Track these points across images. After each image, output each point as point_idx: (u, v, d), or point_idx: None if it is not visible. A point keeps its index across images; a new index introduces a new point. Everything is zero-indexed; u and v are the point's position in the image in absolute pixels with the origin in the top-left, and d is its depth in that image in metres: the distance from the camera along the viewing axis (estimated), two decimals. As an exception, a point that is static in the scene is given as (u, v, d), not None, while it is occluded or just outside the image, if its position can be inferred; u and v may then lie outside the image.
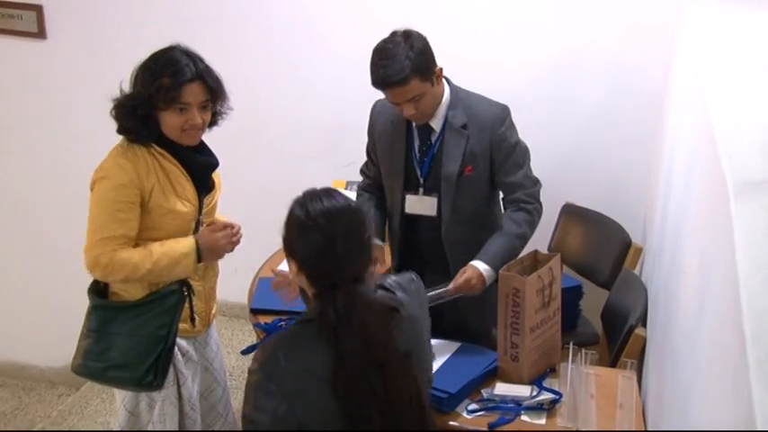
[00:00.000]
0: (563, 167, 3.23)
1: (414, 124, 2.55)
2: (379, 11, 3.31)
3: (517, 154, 2.55)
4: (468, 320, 2.59)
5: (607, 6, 3.13)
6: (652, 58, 3.11)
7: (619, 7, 3.11)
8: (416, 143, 2.57)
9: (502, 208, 2.67)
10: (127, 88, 2.16)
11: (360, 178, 2.83)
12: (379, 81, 2.37)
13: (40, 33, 3.59)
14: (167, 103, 2.10)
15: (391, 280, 1.84)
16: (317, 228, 1.64)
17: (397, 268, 2.68)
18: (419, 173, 2.58)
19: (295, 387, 1.64)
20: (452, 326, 2.50)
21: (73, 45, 3.61)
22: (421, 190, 2.59)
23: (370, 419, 1.64)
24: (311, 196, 1.70)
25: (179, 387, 2.30)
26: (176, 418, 2.29)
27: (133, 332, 2.20)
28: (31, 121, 3.77)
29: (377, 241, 2.60)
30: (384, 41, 2.40)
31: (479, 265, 2.45)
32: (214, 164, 2.31)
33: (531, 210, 2.56)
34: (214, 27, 3.38)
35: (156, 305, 2.19)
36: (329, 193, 1.71)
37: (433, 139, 2.55)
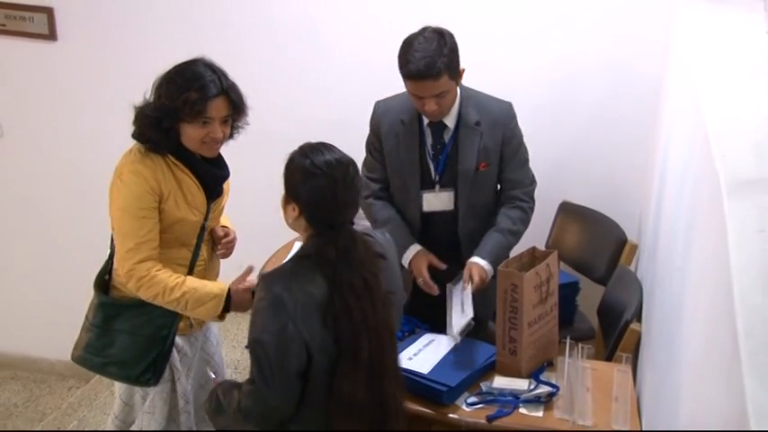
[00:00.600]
0: (561, 167, 3.26)
1: (425, 122, 2.56)
2: (382, 14, 3.33)
3: (523, 151, 2.62)
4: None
5: (603, 11, 3.14)
6: (647, 61, 3.13)
7: (615, 12, 3.13)
8: (429, 141, 2.59)
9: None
10: (149, 97, 2.17)
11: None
12: (413, 73, 2.36)
13: (51, 35, 3.60)
14: (192, 116, 2.12)
15: (369, 232, 2.02)
16: (322, 175, 1.82)
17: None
18: (433, 170, 2.60)
19: (298, 311, 1.79)
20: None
21: (83, 47, 3.63)
22: (437, 186, 2.61)
23: (360, 346, 1.80)
24: (312, 148, 1.89)
25: (173, 382, 2.33)
26: (165, 410, 2.32)
27: (135, 330, 2.24)
28: (42, 121, 3.79)
29: (417, 247, 2.61)
30: (418, 35, 2.40)
31: (481, 262, 2.49)
32: (226, 176, 2.34)
33: (527, 208, 2.61)
34: (221, 30, 3.40)
35: (159, 306, 2.21)
36: (327, 146, 1.89)
37: (447, 137, 2.57)
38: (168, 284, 2.15)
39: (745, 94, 1.74)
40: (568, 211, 3.31)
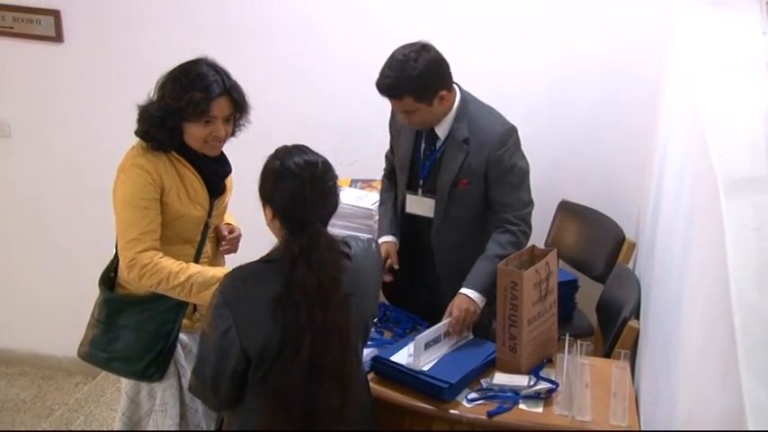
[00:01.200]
0: (560, 166, 3.28)
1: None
2: (382, 15, 3.34)
3: (513, 175, 2.54)
4: (422, 310, 2.66)
5: (602, 13, 3.16)
6: (645, 61, 3.15)
7: (613, 13, 3.15)
8: (423, 146, 2.61)
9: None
10: (152, 97, 2.20)
11: (364, 175, 2.87)
12: (378, 87, 2.44)
13: (58, 37, 3.62)
14: (196, 116, 2.15)
15: (349, 238, 2.00)
16: (290, 176, 1.84)
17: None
18: (420, 174, 2.63)
19: (243, 315, 1.81)
20: (417, 310, 2.58)
21: (89, 49, 3.64)
22: (420, 191, 2.63)
23: (301, 345, 1.80)
24: (284, 151, 1.91)
25: (179, 378, 2.36)
26: (177, 407, 2.34)
27: (140, 326, 2.26)
28: (49, 122, 3.81)
29: (388, 237, 2.66)
30: (401, 50, 2.43)
31: (469, 293, 2.45)
32: (227, 171, 2.37)
33: (517, 231, 2.53)
34: (223, 32, 3.42)
35: (163, 302, 2.24)
36: (300, 148, 1.91)
37: (437, 146, 2.58)
38: (172, 270, 2.17)
39: (742, 93, 1.76)
40: (567, 210, 3.32)
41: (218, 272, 2.22)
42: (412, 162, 2.64)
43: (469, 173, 2.54)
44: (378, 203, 2.82)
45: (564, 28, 3.22)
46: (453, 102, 2.53)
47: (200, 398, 2.03)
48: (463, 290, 2.47)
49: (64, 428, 3.46)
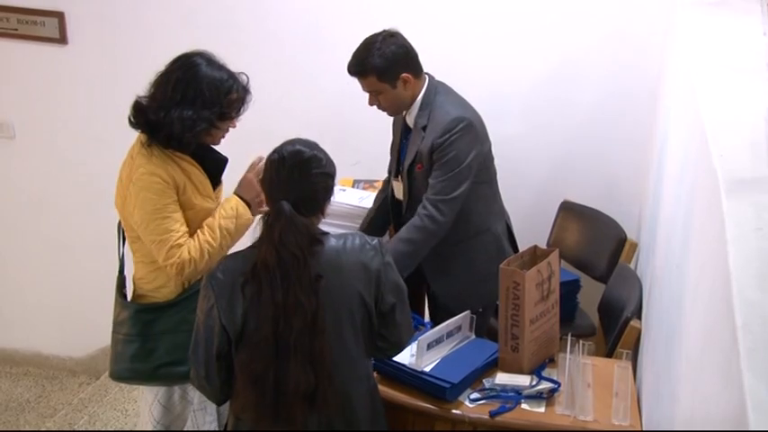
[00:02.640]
0: (561, 167, 3.29)
1: (404, 118, 2.71)
2: (382, 16, 3.34)
3: (445, 162, 2.55)
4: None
5: (603, 13, 3.17)
6: (645, 61, 3.16)
7: (613, 14, 3.16)
8: (403, 134, 2.75)
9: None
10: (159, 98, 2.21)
11: (367, 175, 2.90)
12: (347, 68, 2.59)
13: (62, 39, 3.64)
14: (236, 114, 2.25)
15: (346, 234, 1.99)
16: (273, 160, 1.93)
17: None
18: (400, 161, 2.75)
19: (226, 290, 1.87)
20: (451, 317, 2.58)
21: (93, 50, 3.66)
22: (400, 177, 2.75)
23: (263, 320, 1.82)
24: (289, 142, 1.97)
25: None
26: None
27: (176, 329, 2.26)
28: (53, 123, 3.83)
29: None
30: (370, 37, 2.59)
31: None
32: (225, 160, 2.40)
33: (423, 216, 2.55)
34: (227, 33, 3.44)
35: (192, 300, 2.23)
36: (303, 141, 1.97)
37: (408, 135, 2.72)
38: (207, 242, 2.23)
39: (743, 94, 1.76)
40: (569, 210, 3.33)
41: (229, 203, 2.31)
42: (398, 152, 2.76)
43: (421, 157, 2.64)
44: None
45: (564, 28, 3.23)
46: (420, 89, 2.64)
47: (199, 389, 2.04)
48: None
49: (67, 428, 3.47)
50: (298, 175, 1.90)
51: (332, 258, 1.91)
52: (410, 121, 2.68)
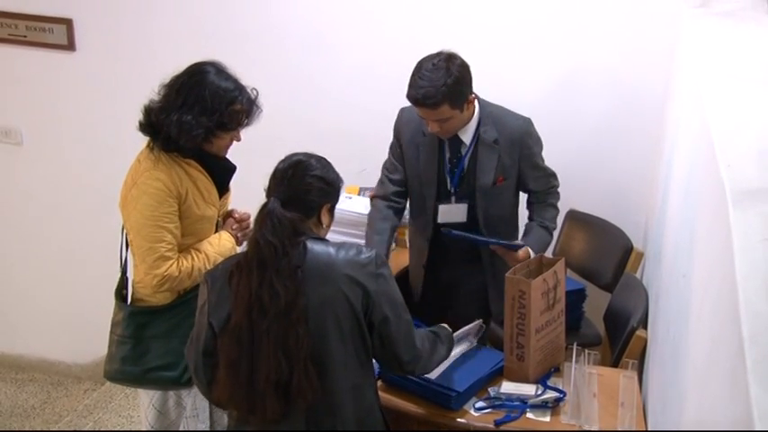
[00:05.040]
0: (568, 176, 3.27)
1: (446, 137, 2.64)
2: (391, 24, 3.37)
3: (540, 159, 2.71)
4: (469, 316, 2.66)
5: (610, 23, 3.17)
6: (653, 72, 3.15)
7: (621, 24, 3.16)
8: (447, 155, 2.65)
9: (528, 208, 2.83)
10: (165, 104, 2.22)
11: (373, 183, 2.89)
12: (412, 98, 2.46)
13: (70, 46, 3.67)
14: (238, 125, 2.25)
15: (344, 244, 1.98)
16: (276, 167, 1.99)
17: (426, 268, 2.79)
18: (449, 182, 2.67)
19: (218, 287, 1.91)
20: (455, 321, 2.57)
21: (101, 57, 3.69)
22: (453, 199, 2.68)
23: (239, 312, 1.84)
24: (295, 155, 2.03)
25: None
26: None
27: (169, 334, 2.27)
28: (61, 129, 3.85)
29: None
30: (428, 60, 2.46)
31: (531, 251, 2.63)
32: (233, 168, 2.41)
33: (558, 205, 2.80)
34: (233, 40, 3.45)
35: (187, 306, 2.25)
36: (312, 155, 2.02)
37: (463, 152, 2.64)
38: (196, 266, 2.25)
39: (750, 103, 1.75)
40: (575, 220, 3.33)
41: (228, 242, 2.35)
42: (438, 175, 2.68)
43: (504, 170, 2.64)
44: (370, 230, 2.76)
45: (572, 38, 3.24)
46: (475, 106, 2.61)
47: (199, 390, 2.05)
48: (528, 246, 2.65)
49: (72, 435, 3.48)
50: (291, 174, 1.95)
51: (322, 261, 1.91)
52: (467, 137, 2.62)
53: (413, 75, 2.47)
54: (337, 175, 2.02)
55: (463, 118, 2.56)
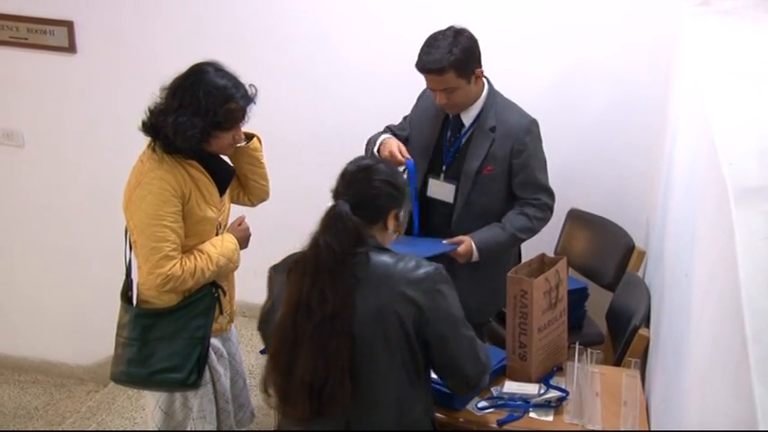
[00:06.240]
0: (569, 174, 3.29)
1: (451, 115, 2.68)
2: (393, 23, 3.37)
3: (537, 162, 2.68)
4: (467, 313, 2.67)
5: (610, 21, 3.18)
6: (653, 70, 3.16)
7: (621, 22, 3.17)
8: (448, 133, 2.70)
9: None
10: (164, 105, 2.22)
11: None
12: (419, 65, 2.52)
13: (71, 48, 3.68)
14: (234, 124, 2.24)
15: (408, 257, 1.95)
16: (343, 169, 1.99)
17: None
18: (444, 160, 2.71)
19: (278, 280, 1.95)
20: None
21: (102, 59, 3.70)
22: (442, 176, 2.71)
23: (286, 308, 1.86)
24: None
25: (214, 384, 2.38)
26: (215, 413, 2.37)
27: (174, 336, 2.27)
28: (62, 131, 3.86)
29: (387, 134, 2.77)
30: (438, 32, 2.55)
31: (474, 247, 2.63)
32: (233, 171, 2.41)
33: (532, 217, 2.68)
34: (234, 40, 3.46)
35: (192, 308, 2.27)
36: (386, 161, 2.10)
37: (462, 133, 2.67)
38: (200, 267, 2.25)
39: (751, 101, 1.75)
40: (577, 219, 3.33)
41: (232, 243, 2.35)
42: (435, 148, 2.72)
43: (494, 159, 2.64)
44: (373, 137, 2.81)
45: (572, 36, 3.24)
46: (483, 87, 2.65)
47: None
48: (473, 241, 2.64)
49: (76, 437, 3.48)
50: (361, 178, 1.94)
51: (379, 272, 1.88)
52: (467, 119, 2.67)
53: (422, 46, 2.54)
54: (405, 180, 2.03)
55: (470, 93, 2.59)
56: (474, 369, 1.97)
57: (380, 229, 1.96)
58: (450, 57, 2.47)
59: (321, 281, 1.83)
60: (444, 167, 2.71)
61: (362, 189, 1.93)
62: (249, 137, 2.44)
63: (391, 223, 1.97)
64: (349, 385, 1.83)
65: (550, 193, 2.72)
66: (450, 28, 2.56)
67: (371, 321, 1.85)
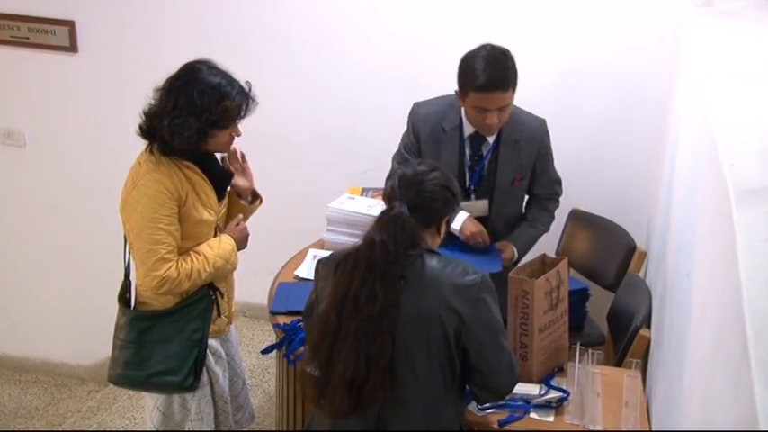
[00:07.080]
0: (571, 175, 3.28)
1: (465, 134, 2.68)
2: (392, 25, 3.37)
3: (551, 159, 2.84)
4: None
5: (612, 22, 3.18)
6: (655, 71, 3.16)
7: (623, 23, 3.17)
8: (468, 152, 2.70)
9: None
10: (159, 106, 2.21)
11: (375, 184, 2.89)
12: (486, 84, 2.48)
13: (72, 47, 3.69)
14: (230, 122, 2.22)
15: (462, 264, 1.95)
16: (398, 174, 2.00)
17: None
18: (468, 179, 2.73)
19: (326, 273, 1.95)
20: None
21: (104, 59, 3.71)
22: (472, 196, 2.74)
23: (332, 302, 1.86)
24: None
25: (212, 385, 2.38)
26: (212, 415, 2.37)
27: (171, 338, 2.27)
28: (63, 131, 3.86)
29: (465, 214, 2.79)
30: (481, 50, 2.52)
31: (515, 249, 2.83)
32: (231, 174, 2.40)
33: (553, 210, 2.94)
34: (236, 40, 3.47)
35: (189, 310, 2.27)
36: (437, 167, 2.03)
37: (485, 150, 2.68)
38: (196, 269, 2.24)
39: (753, 102, 1.75)
40: (578, 219, 3.33)
41: (228, 244, 2.33)
42: (459, 171, 2.72)
43: (521, 169, 2.72)
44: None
45: (574, 37, 3.24)
46: None
47: None
48: (514, 246, 2.83)
49: (77, 437, 3.48)
50: (419, 181, 1.93)
51: (426, 275, 1.89)
52: (491, 136, 2.68)
53: (470, 66, 2.50)
54: (458, 186, 2.04)
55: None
56: (508, 380, 2.00)
57: (432, 234, 1.98)
58: (510, 73, 2.50)
59: (372, 278, 1.83)
60: (472, 186, 2.75)
61: (420, 193, 1.93)
62: (255, 196, 2.48)
63: (443, 228, 2.00)
64: (389, 384, 1.84)
65: (560, 182, 2.90)
66: (486, 46, 2.54)
67: (414, 324, 1.87)
